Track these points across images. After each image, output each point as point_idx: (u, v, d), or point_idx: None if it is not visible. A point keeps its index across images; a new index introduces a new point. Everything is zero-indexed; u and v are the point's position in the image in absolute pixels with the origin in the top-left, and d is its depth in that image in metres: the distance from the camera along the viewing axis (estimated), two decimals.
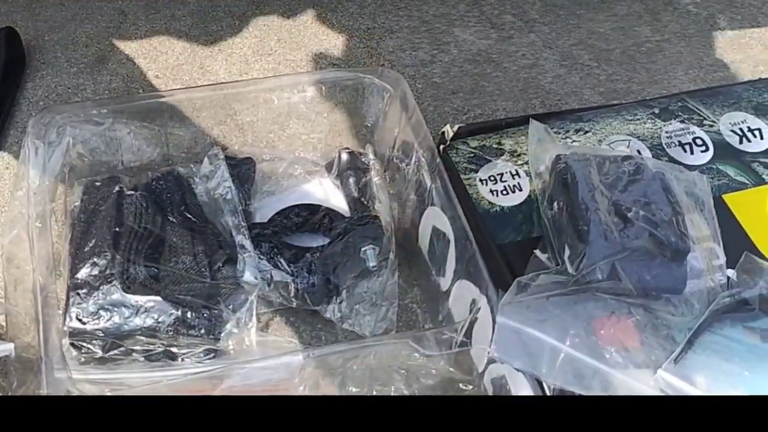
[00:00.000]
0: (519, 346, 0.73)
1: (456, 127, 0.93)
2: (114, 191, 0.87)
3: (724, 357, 0.73)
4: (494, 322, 0.75)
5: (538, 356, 0.72)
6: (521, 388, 0.73)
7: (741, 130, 0.95)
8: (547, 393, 0.71)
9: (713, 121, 0.96)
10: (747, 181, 0.91)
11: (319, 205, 0.92)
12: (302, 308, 0.85)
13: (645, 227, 0.78)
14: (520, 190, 0.88)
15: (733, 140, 0.95)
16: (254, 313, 0.81)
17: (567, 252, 0.78)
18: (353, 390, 0.77)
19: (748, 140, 0.95)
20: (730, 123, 0.96)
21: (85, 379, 0.73)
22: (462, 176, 0.89)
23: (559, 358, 0.72)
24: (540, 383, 0.72)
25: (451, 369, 0.79)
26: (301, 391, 0.75)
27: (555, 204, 0.83)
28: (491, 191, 0.88)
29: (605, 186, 0.81)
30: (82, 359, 0.77)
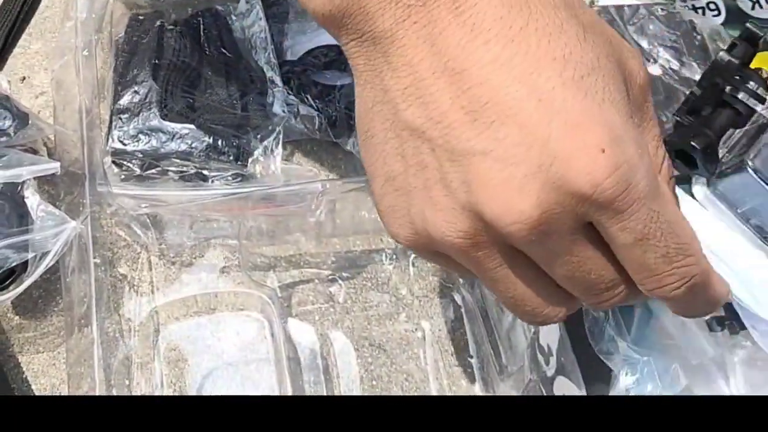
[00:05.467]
0: None
1: None
2: (156, 25, 0.93)
3: None
4: None
5: None
6: None
7: None
8: None
9: None
10: None
11: None
12: (325, 140, 0.92)
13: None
14: None
15: (746, 6, 0.98)
16: (280, 142, 0.87)
17: None
18: (365, 215, 0.84)
19: (761, 6, 0.98)
20: None
21: (124, 194, 0.81)
22: None
23: None
24: None
25: None
26: (318, 215, 0.82)
27: None
28: None
29: (636, 28, 0.87)
30: (123, 176, 0.84)
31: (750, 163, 0.73)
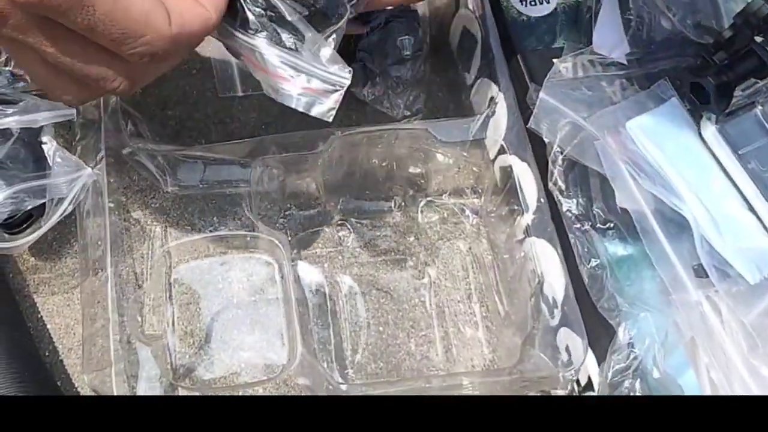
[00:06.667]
0: (552, 120, 0.79)
1: None
2: None
3: None
4: (508, 118, 0.83)
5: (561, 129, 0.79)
6: (525, 176, 0.81)
7: None
8: (549, 183, 0.80)
9: None
10: None
11: None
12: None
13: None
14: (548, 2, 0.93)
15: None
16: None
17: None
18: (375, 163, 0.85)
19: None
20: None
21: (139, 138, 0.82)
22: None
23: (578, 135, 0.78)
24: (544, 176, 0.80)
25: (465, 155, 0.87)
26: (329, 162, 0.83)
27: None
28: (521, 1, 0.93)
29: None
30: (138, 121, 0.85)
31: (760, 106, 0.75)
